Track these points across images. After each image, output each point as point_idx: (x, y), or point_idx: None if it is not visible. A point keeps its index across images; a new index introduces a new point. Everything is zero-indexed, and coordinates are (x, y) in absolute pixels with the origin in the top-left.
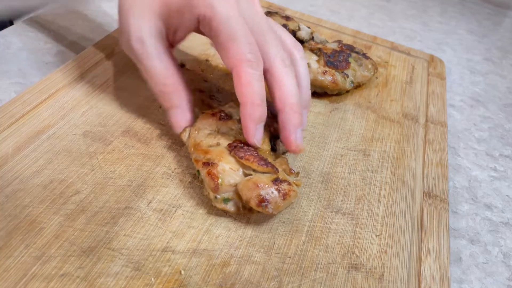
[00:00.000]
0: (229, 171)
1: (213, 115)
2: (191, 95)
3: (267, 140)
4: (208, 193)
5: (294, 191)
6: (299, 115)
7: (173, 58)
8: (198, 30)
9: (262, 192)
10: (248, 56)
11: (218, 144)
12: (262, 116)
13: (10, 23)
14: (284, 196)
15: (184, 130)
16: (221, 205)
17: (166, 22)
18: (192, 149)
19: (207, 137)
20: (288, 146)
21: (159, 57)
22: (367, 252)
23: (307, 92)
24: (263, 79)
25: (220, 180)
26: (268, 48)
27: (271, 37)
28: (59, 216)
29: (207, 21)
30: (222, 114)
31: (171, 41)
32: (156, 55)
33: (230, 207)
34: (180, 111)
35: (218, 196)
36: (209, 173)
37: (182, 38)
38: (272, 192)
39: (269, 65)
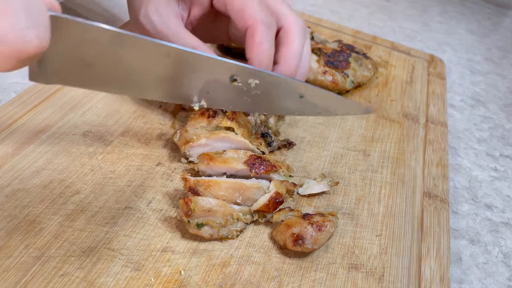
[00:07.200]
0: None
1: (202, 114)
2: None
3: (264, 143)
4: (181, 217)
5: (329, 221)
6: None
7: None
8: (211, 10)
9: (295, 230)
10: (263, 17)
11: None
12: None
13: None
14: (319, 227)
15: (175, 132)
16: (193, 231)
17: (182, 3)
18: (184, 148)
19: (195, 134)
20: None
21: (182, 31)
22: (367, 252)
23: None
24: (274, 44)
25: (193, 205)
26: (279, 8)
27: (280, 1)
28: (59, 216)
29: None
30: (211, 112)
31: (187, 24)
32: (179, 30)
33: (204, 232)
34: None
35: (191, 221)
36: (184, 198)
37: (197, 17)
38: (305, 227)
39: (282, 23)
